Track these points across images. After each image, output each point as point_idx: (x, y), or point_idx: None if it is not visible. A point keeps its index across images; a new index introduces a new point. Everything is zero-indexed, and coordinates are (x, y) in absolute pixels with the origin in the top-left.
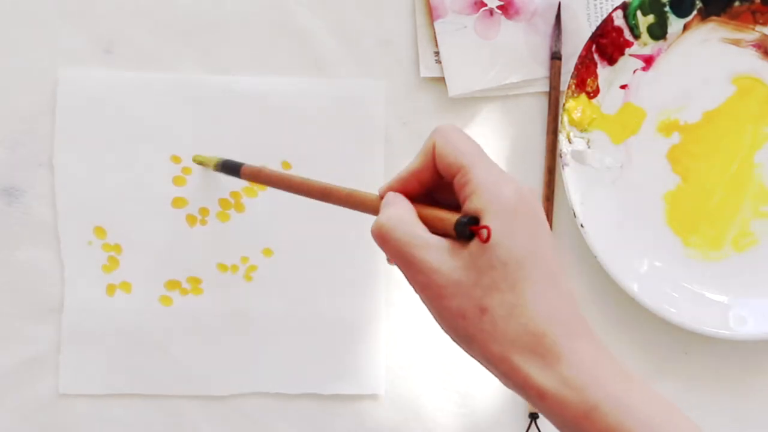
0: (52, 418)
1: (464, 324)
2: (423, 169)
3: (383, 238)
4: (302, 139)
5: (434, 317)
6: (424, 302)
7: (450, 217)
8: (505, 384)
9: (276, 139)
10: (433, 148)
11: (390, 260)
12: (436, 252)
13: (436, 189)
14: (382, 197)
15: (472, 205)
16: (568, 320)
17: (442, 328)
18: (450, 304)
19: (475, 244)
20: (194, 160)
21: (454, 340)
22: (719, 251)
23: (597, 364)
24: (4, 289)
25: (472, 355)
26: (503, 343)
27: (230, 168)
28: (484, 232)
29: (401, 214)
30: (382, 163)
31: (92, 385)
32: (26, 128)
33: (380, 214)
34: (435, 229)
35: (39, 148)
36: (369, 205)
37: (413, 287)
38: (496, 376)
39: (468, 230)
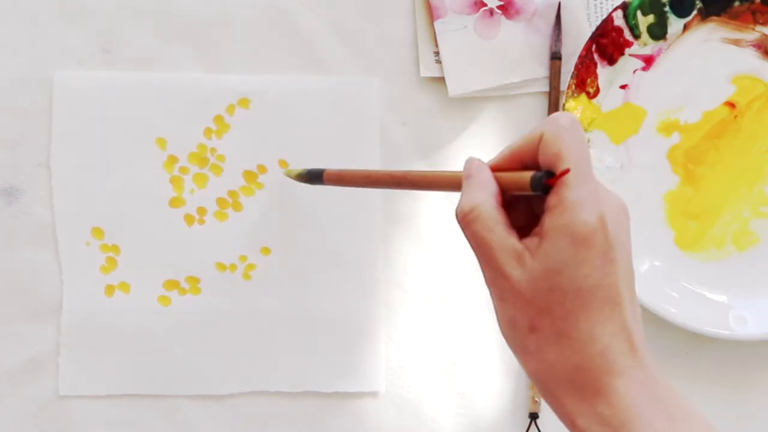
0: (52, 419)
1: (513, 333)
2: (524, 153)
3: (465, 225)
4: (299, 138)
5: (494, 310)
6: (489, 291)
7: (525, 175)
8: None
9: (273, 138)
10: (540, 138)
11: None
12: (509, 256)
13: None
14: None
15: (548, 221)
16: (617, 355)
17: (498, 324)
18: (506, 309)
19: (541, 260)
20: (285, 173)
21: (506, 342)
22: (719, 251)
23: (639, 403)
24: (3, 290)
25: (518, 361)
26: (544, 366)
27: (313, 176)
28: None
29: (484, 205)
30: (378, 161)
31: (92, 386)
32: (26, 128)
33: (464, 196)
34: (512, 189)
35: (39, 149)
36: (452, 184)
37: (483, 274)
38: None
39: (544, 184)
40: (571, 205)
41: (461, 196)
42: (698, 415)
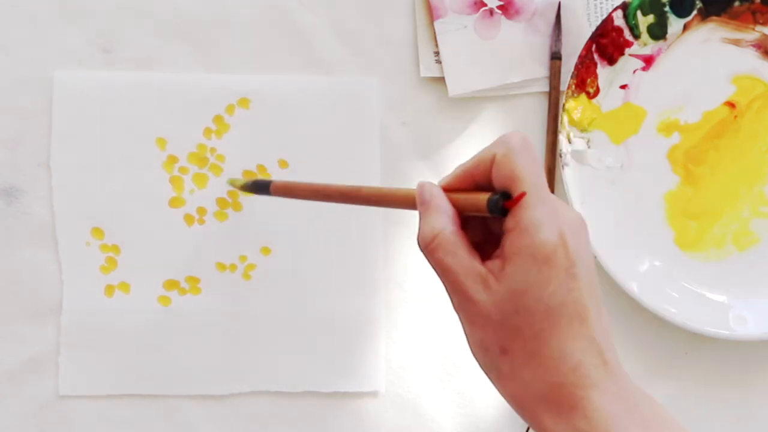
0: (52, 419)
1: (485, 357)
2: (477, 173)
3: (428, 253)
4: (299, 138)
5: (465, 335)
6: (458, 317)
7: (482, 198)
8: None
9: (273, 138)
10: (492, 159)
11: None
12: (474, 281)
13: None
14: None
15: (508, 244)
16: (589, 369)
17: (469, 349)
18: (476, 333)
19: (505, 283)
20: (228, 182)
21: (479, 366)
22: (719, 251)
23: (615, 413)
24: (3, 290)
25: (492, 383)
26: (520, 386)
27: (260, 186)
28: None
29: (445, 231)
30: (378, 160)
31: (92, 386)
32: (26, 128)
33: (423, 224)
34: (469, 211)
35: (39, 149)
36: (406, 202)
37: (450, 300)
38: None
39: (501, 207)
40: (531, 226)
41: (420, 223)
42: (673, 421)
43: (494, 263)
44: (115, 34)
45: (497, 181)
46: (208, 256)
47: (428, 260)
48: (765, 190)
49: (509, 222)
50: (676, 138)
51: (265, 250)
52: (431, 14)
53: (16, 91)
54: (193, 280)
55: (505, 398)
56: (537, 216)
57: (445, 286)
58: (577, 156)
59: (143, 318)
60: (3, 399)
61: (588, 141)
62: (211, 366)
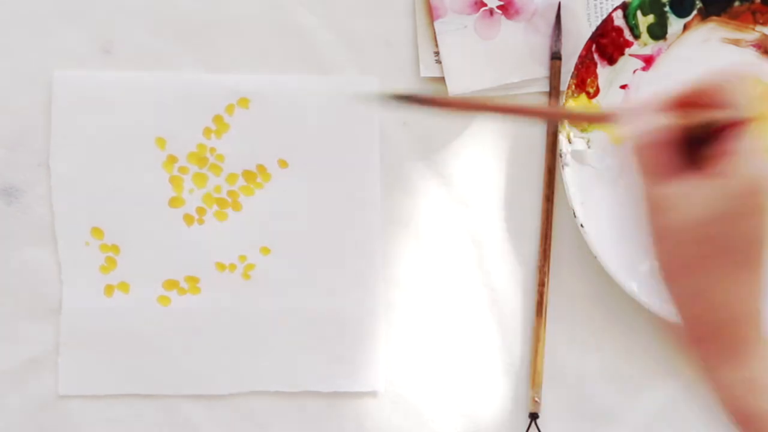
0: (52, 419)
1: (673, 274)
2: (696, 97)
3: (639, 150)
4: (299, 138)
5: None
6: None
7: (703, 116)
8: None
9: (273, 138)
10: (712, 85)
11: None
12: (675, 195)
13: None
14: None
15: (718, 167)
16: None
17: (657, 266)
18: (664, 248)
19: (709, 203)
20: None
21: (663, 286)
22: None
23: None
24: (3, 290)
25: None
26: (701, 309)
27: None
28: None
29: (661, 134)
30: (378, 160)
31: (92, 385)
32: (26, 128)
33: (644, 122)
34: (689, 126)
35: (39, 149)
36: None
37: (644, 210)
38: None
39: (718, 130)
40: (746, 154)
41: (638, 122)
42: None
43: (700, 182)
44: (115, 34)
45: (714, 107)
46: (207, 256)
47: (634, 157)
48: None
49: (720, 147)
50: None
51: (265, 250)
52: (431, 14)
53: (16, 91)
54: (193, 280)
55: (678, 324)
56: (755, 147)
57: (643, 189)
58: (577, 156)
59: (143, 318)
60: (3, 399)
61: (588, 141)
62: (211, 366)
